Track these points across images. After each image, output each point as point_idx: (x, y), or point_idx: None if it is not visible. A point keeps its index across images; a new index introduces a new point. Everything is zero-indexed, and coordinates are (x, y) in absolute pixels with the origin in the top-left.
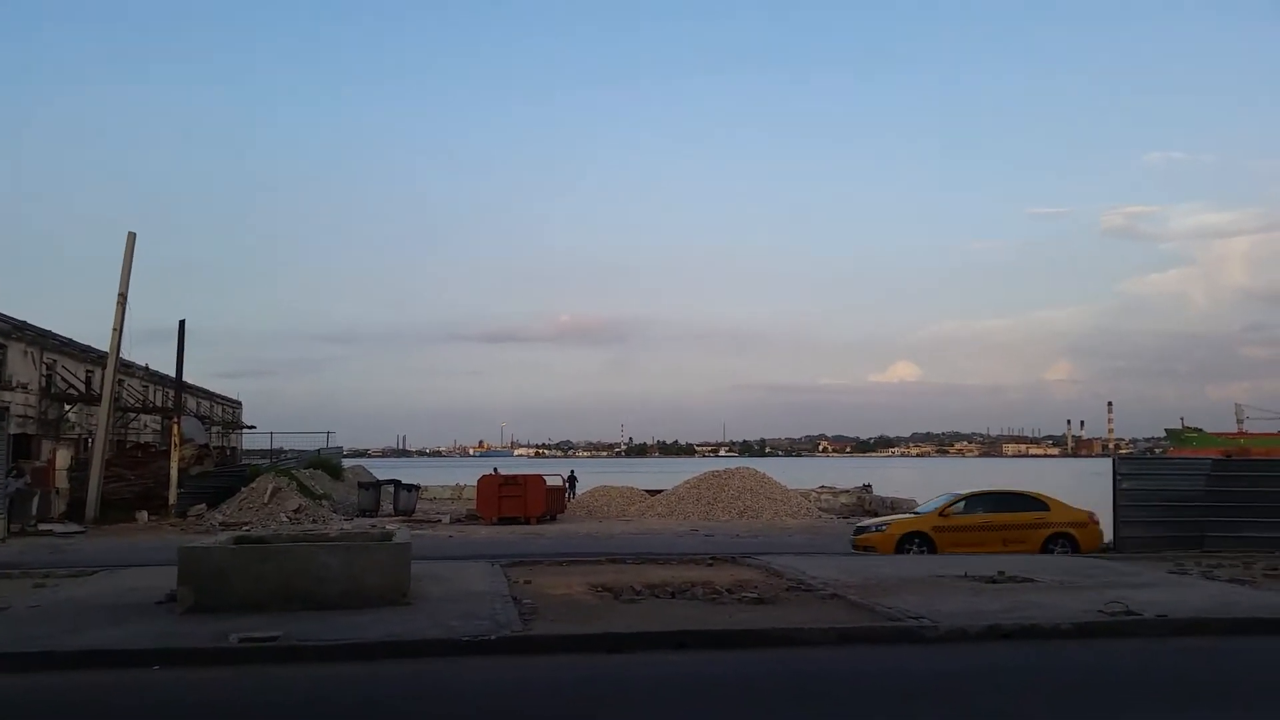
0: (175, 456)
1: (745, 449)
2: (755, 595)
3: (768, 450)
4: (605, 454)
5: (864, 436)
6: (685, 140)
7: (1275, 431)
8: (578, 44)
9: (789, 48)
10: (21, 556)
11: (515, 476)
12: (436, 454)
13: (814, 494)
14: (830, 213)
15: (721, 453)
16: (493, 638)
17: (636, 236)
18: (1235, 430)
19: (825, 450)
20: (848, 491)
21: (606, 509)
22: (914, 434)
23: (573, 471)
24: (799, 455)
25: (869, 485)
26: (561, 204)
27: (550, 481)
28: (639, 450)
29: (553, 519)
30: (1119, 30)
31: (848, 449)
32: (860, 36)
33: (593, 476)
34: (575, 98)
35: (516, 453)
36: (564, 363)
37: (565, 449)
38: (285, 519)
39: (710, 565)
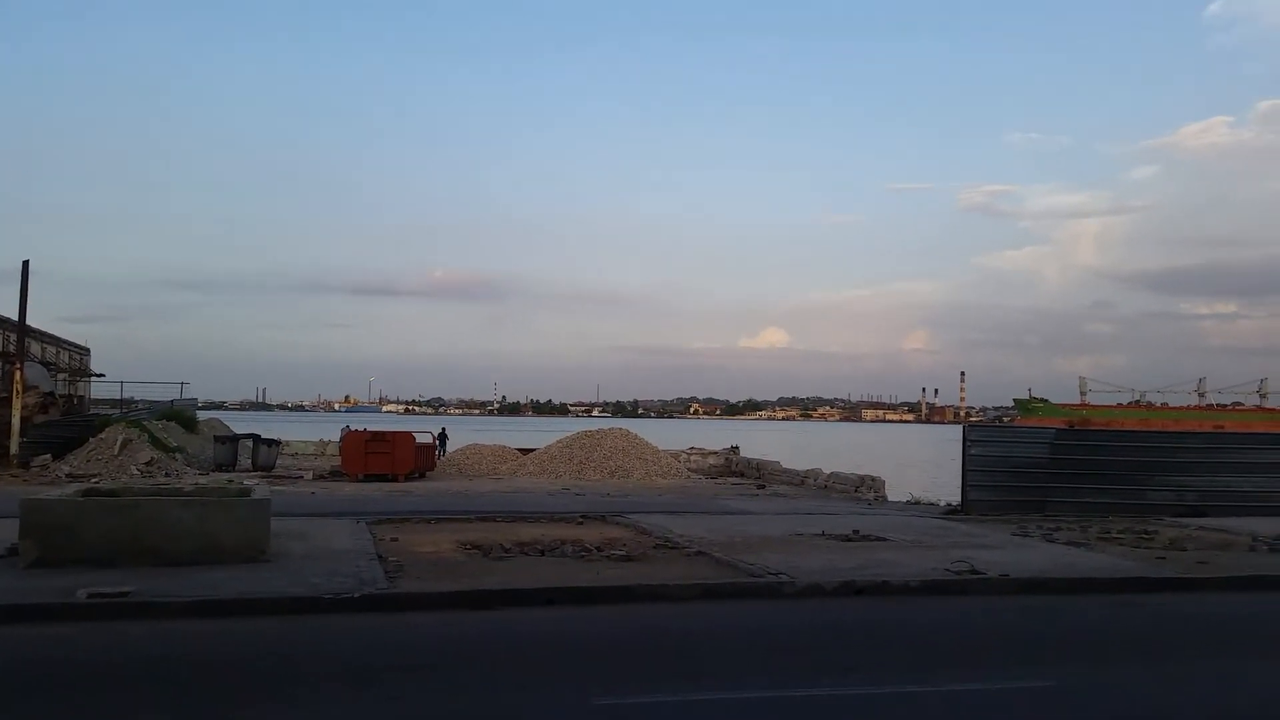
0: (18, 404)
1: (618, 409)
2: (624, 553)
3: (640, 411)
4: (478, 412)
5: (733, 400)
6: (566, 106)
7: (1115, 404)
8: (461, 4)
9: (678, 17)
10: None
11: (383, 433)
12: (299, 408)
13: (684, 455)
14: (705, 183)
15: (595, 413)
16: (356, 595)
17: (514, 195)
18: (1079, 402)
19: (696, 412)
20: (716, 453)
21: (478, 467)
22: (780, 398)
23: (444, 429)
24: (670, 417)
25: (736, 447)
26: (439, 159)
27: (420, 438)
28: (512, 409)
29: (422, 476)
30: (982, 12)
31: (717, 411)
32: (733, 10)
33: (464, 434)
34: (458, 57)
35: (385, 409)
36: (437, 319)
37: (436, 406)
38: (136, 472)
39: (580, 523)
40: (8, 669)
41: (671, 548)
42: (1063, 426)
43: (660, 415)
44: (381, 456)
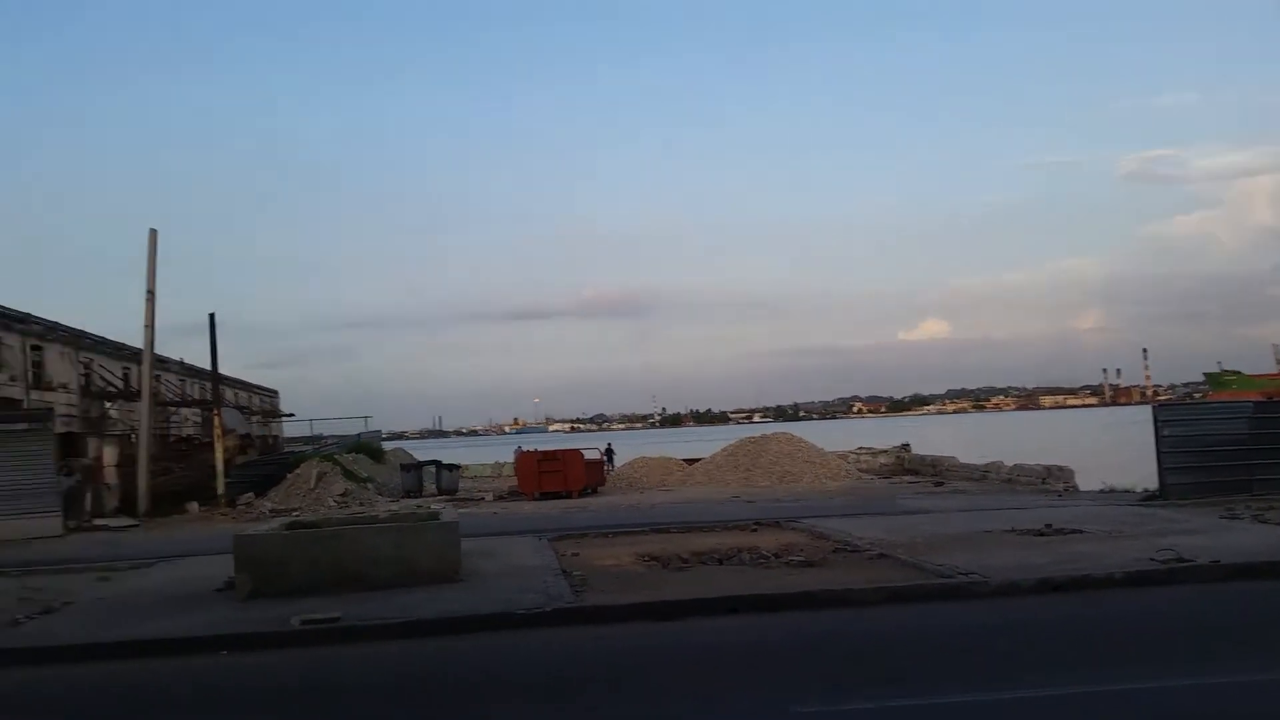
0: (219, 447)
1: (779, 413)
2: (802, 558)
3: (801, 414)
4: (640, 425)
5: (898, 395)
6: (694, 112)
7: None
8: (584, 23)
9: (795, 14)
10: (82, 551)
11: (553, 452)
12: (473, 433)
13: (852, 455)
14: (846, 176)
15: (755, 418)
16: (548, 610)
17: (652, 207)
18: (1275, 371)
19: (860, 411)
20: (886, 451)
21: (646, 480)
22: (949, 390)
23: (610, 444)
24: (833, 417)
25: (907, 444)
26: (574, 180)
27: (588, 455)
28: (673, 420)
29: (594, 492)
30: None
31: (882, 409)
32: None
33: (629, 448)
34: (584, 77)
35: (551, 428)
36: (591, 337)
37: (599, 422)
38: (333, 503)
39: (754, 531)
40: (238, 695)
41: (851, 551)
42: (1261, 399)
43: (822, 416)
44: (554, 475)
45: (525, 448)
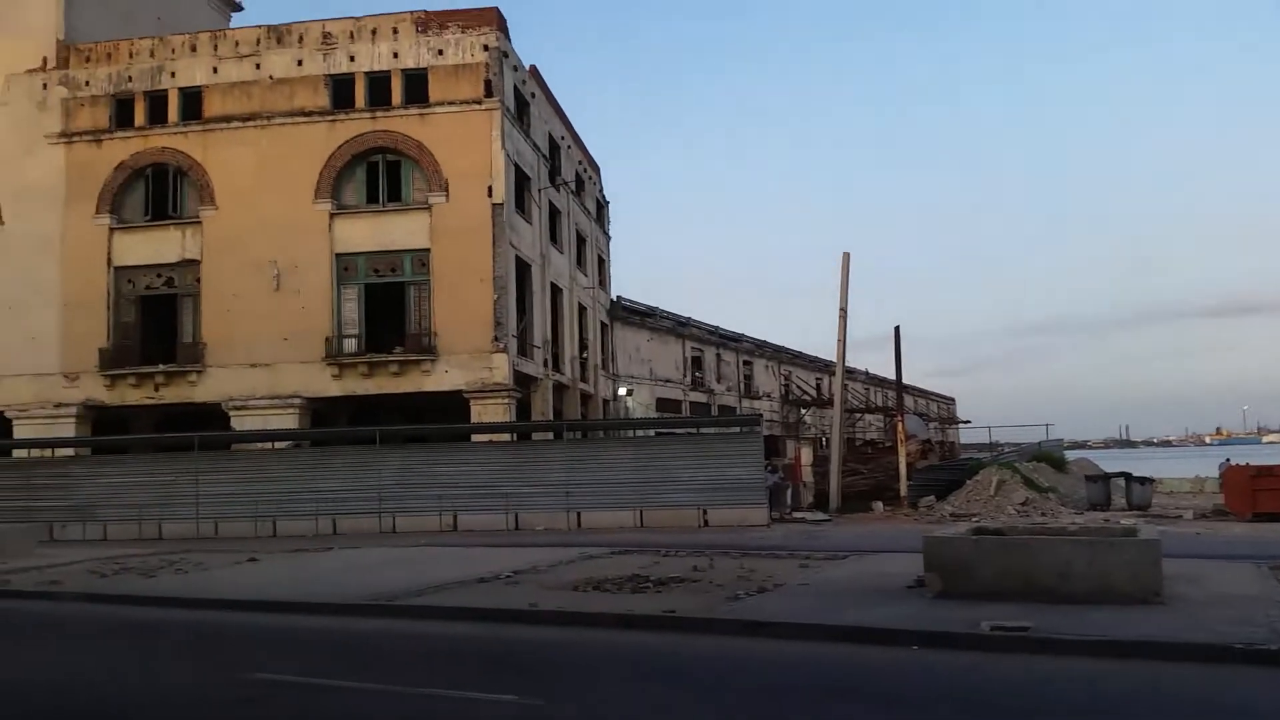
0: (902, 452)
1: None
2: None
3: None
4: None
5: None
6: None
7: None
8: None
9: None
10: (784, 541)
11: (1271, 466)
12: (1165, 443)
13: None
14: None
15: None
16: (1273, 648)
17: None
18: None
19: None
20: None
21: None
22: None
23: None
24: None
25: None
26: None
27: None
28: None
29: None
30: None
31: None
32: None
33: None
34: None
35: (1266, 439)
36: None
37: None
38: (1012, 511)
39: None
40: (932, 688)
41: None
42: None
43: None
44: (1273, 493)
45: (1233, 460)
